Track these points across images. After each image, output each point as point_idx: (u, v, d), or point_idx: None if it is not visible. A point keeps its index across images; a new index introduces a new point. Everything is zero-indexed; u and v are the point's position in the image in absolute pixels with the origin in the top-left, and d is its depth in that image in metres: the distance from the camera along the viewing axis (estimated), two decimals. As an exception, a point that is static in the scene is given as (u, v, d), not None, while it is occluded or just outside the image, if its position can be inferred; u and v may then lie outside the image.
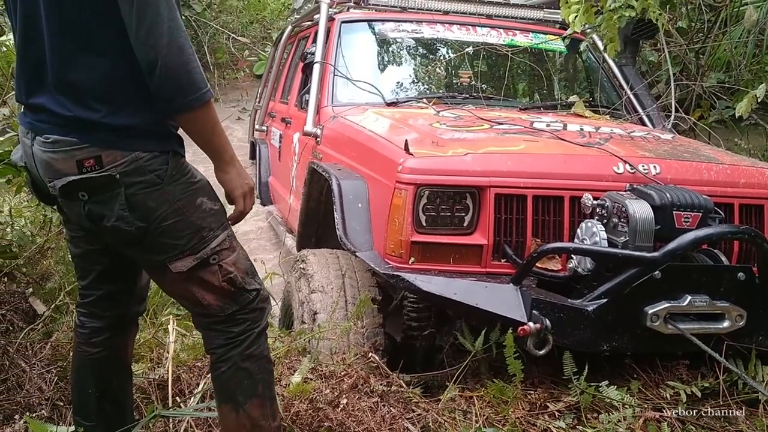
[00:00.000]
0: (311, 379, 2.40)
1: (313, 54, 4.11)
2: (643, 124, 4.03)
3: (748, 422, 2.24)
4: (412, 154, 2.64)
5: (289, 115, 4.68)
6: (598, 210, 2.53)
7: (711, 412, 2.32)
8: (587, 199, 2.54)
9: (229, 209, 1.86)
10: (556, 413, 2.35)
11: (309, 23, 5.06)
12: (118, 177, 1.62)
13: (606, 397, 2.34)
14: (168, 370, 2.32)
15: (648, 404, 2.33)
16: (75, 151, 1.62)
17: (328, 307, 2.91)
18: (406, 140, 2.67)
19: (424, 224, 2.60)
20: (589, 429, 2.24)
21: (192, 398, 2.29)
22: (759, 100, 3.34)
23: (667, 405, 2.33)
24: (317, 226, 3.64)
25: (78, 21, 1.59)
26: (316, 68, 3.92)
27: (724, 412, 2.32)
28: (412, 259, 2.59)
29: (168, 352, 2.41)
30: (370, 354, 2.70)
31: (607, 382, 2.40)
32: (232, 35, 9.03)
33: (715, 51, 6.28)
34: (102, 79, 1.61)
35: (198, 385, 2.36)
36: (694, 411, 2.33)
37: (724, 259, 2.52)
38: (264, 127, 5.67)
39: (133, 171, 1.64)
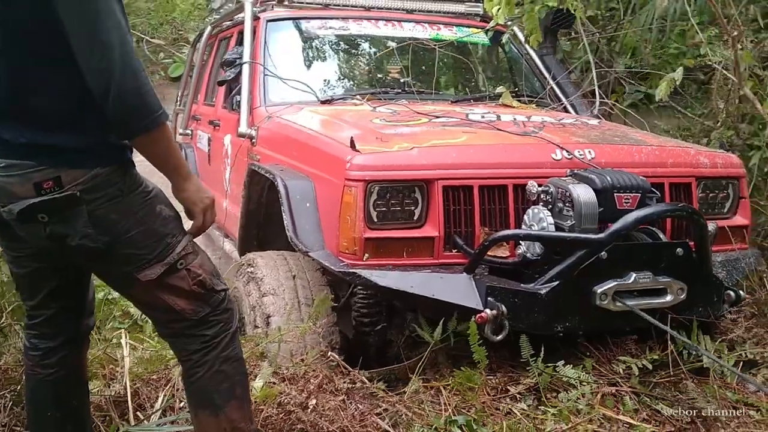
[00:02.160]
0: (274, 383, 2.38)
1: (240, 56, 4.05)
2: (567, 111, 4.18)
3: (698, 389, 2.37)
4: (358, 151, 2.65)
5: (218, 117, 4.58)
6: (542, 196, 2.61)
7: (663, 384, 2.43)
8: (532, 186, 2.62)
9: (187, 224, 1.84)
10: (518, 396, 2.42)
11: (230, 23, 4.97)
12: (79, 195, 1.57)
13: (563, 376, 2.43)
14: (126, 386, 2.25)
15: (603, 380, 2.43)
16: (32, 174, 1.56)
17: (281, 310, 2.88)
18: (352, 137, 2.68)
19: (376, 220, 2.62)
20: (550, 408, 2.32)
21: (153, 413, 2.23)
22: (678, 83, 3.52)
23: (621, 379, 2.44)
24: (258, 228, 3.60)
25: (27, 47, 1.53)
26: (246, 69, 3.86)
27: (675, 382, 2.44)
28: (366, 255, 2.60)
29: (123, 367, 2.34)
30: (330, 353, 2.70)
31: (563, 361, 2.49)
32: (145, 37, 8.77)
33: (623, 37, 6.56)
34: (55, 104, 1.56)
35: (157, 398, 2.30)
36: (647, 383, 2.44)
37: (662, 236, 2.66)
38: (188, 131, 5.53)
39: (94, 187, 1.60)
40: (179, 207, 1.82)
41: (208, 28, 5.38)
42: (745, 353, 2.62)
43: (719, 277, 2.69)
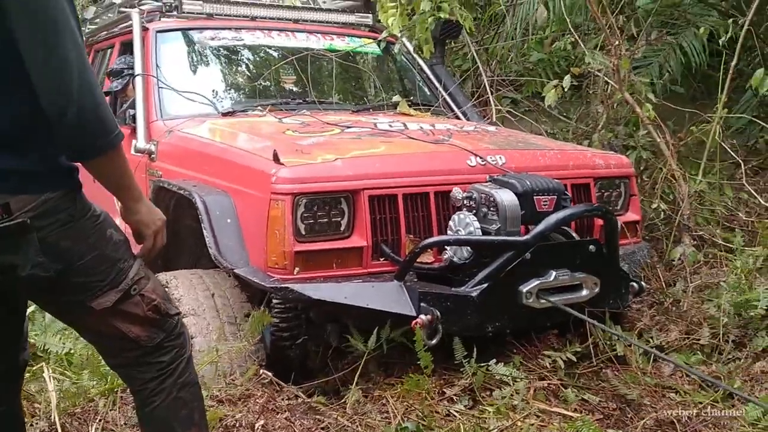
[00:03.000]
0: (213, 406, 2.30)
1: (127, 65, 3.88)
2: (459, 119, 4.33)
3: (618, 377, 2.55)
4: (283, 164, 2.62)
5: (103, 132, 4.34)
6: (467, 202, 2.71)
7: (586, 374, 2.59)
8: (457, 192, 2.70)
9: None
10: (454, 397, 2.49)
11: (106, 34, 4.73)
12: (29, 222, 1.45)
13: (496, 374, 2.52)
14: (55, 421, 2.09)
15: (533, 375, 2.54)
16: None
17: (204, 330, 2.78)
18: (275, 150, 2.64)
19: (304, 233, 2.60)
20: (488, 407, 2.40)
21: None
22: (566, 89, 3.76)
23: (548, 373, 2.57)
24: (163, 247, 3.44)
25: None
26: (139, 81, 3.70)
27: (596, 372, 2.61)
28: (297, 269, 2.58)
29: (45, 402, 2.17)
30: (262, 371, 2.64)
31: (494, 360, 2.58)
32: None
33: (492, 46, 6.89)
34: (3, 126, 1.43)
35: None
36: (572, 375, 2.59)
37: (574, 234, 2.83)
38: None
39: (44, 213, 1.48)
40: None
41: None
42: (653, 340, 2.85)
43: (625, 270, 2.90)
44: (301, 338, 2.89)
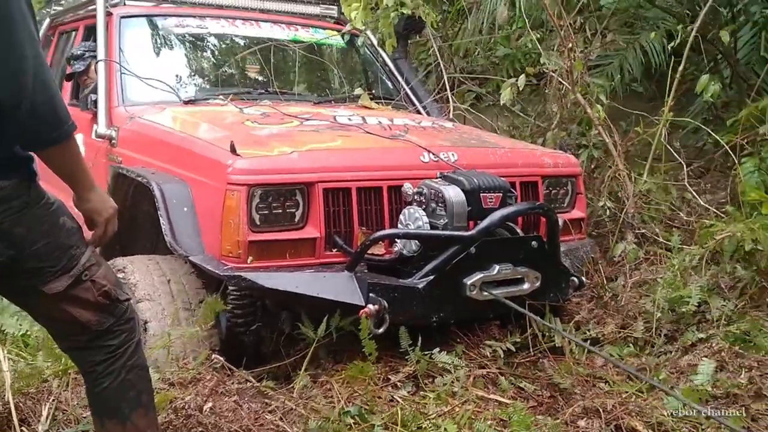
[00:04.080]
0: (164, 389, 2.38)
1: (91, 51, 3.90)
2: (419, 113, 4.43)
3: (554, 367, 2.69)
4: (239, 155, 2.70)
5: (65, 115, 4.35)
6: (417, 197, 2.81)
7: (524, 363, 2.73)
8: (408, 187, 2.81)
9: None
10: (398, 384, 2.60)
11: (71, 17, 4.73)
12: None
13: (439, 362, 2.64)
14: (9, 401, 2.16)
15: (474, 364, 2.67)
16: None
17: (158, 315, 2.85)
18: (232, 142, 2.72)
19: (258, 223, 2.68)
20: (429, 393, 2.52)
21: (41, 428, 2.16)
22: (521, 89, 3.88)
23: (488, 362, 2.70)
24: (122, 233, 3.49)
25: None
26: (101, 67, 3.72)
27: (534, 362, 2.75)
28: (251, 258, 2.66)
29: (5, 381, 2.24)
30: (214, 356, 2.72)
31: (438, 349, 2.70)
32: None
33: (456, 40, 7.00)
34: None
35: (41, 413, 2.23)
36: (511, 364, 2.73)
37: (518, 230, 2.96)
38: (25, 128, 5.17)
39: None
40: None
41: (47, 20, 5.06)
42: (589, 332, 3.00)
43: (566, 266, 3.04)
44: (255, 325, 2.98)
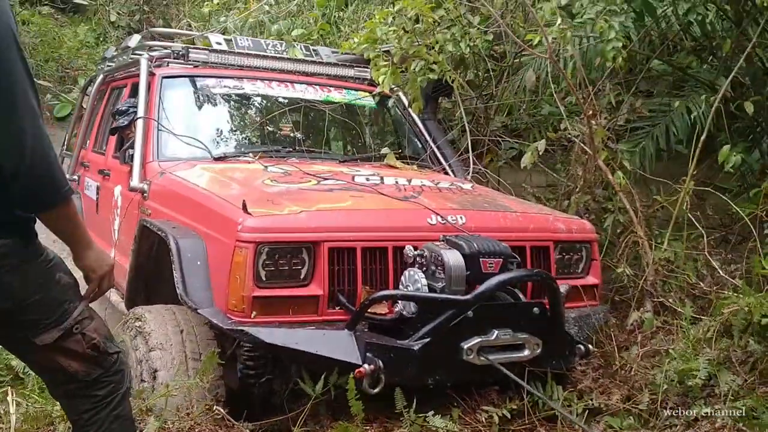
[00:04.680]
0: (161, 438, 2.48)
1: (134, 108, 4.15)
2: (446, 172, 4.52)
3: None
4: (250, 214, 2.82)
5: (108, 167, 4.61)
6: (418, 259, 2.88)
7: (519, 431, 2.72)
8: (409, 250, 2.88)
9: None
10: (391, 445, 2.63)
11: (123, 74, 5.03)
12: None
13: (433, 426, 2.66)
14: (12, 444, 2.29)
15: (468, 428, 2.68)
16: None
17: (168, 364, 2.97)
18: (244, 200, 2.85)
19: (264, 279, 2.79)
20: (420, 455, 2.54)
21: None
22: (540, 153, 3.93)
23: (483, 427, 2.70)
24: (147, 282, 3.66)
25: None
26: (140, 123, 3.96)
27: (530, 429, 2.73)
28: (254, 313, 2.76)
29: (8, 423, 2.37)
30: (215, 407, 2.81)
31: (432, 412, 2.73)
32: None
33: (500, 97, 7.10)
34: None
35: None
36: (506, 431, 2.72)
37: (521, 296, 2.98)
38: (75, 177, 5.49)
39: None
40: (78, 273, 1.93)
41: (101, 77, 5.40)
42: (592, 402, 2.96)
43: (571, 333, 3.04)
44: (265, 377, 3.07)
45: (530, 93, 6.77)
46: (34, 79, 1.72)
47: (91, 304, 1.96)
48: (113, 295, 4.29)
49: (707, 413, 2.81)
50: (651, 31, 4.87)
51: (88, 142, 5.53)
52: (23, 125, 1.62)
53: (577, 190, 4.28)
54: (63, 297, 1.84)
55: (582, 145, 4.07)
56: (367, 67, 4.92)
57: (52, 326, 1.81)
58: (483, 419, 2.73)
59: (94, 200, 4.91)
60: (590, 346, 3.10)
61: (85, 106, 5.84)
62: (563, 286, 3.03)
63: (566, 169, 5.06)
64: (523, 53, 5.54)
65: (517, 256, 2.97)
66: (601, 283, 3.54)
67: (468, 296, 2.73)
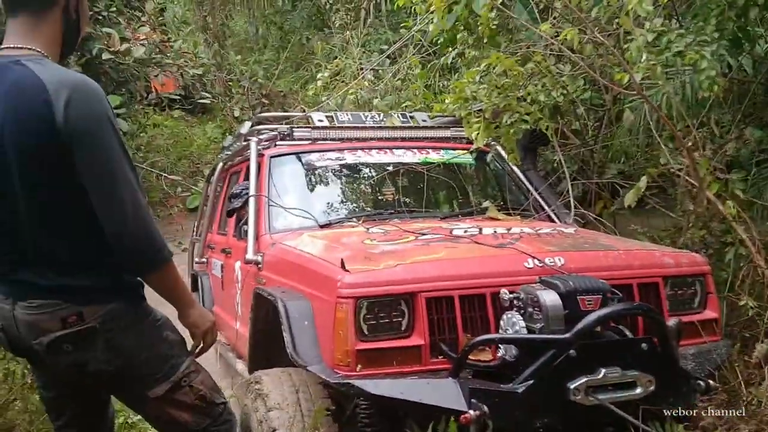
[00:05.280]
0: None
1: (247, 190, 4.47)
2: (551, 220, 4.50)
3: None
4: (348, 271, 2.96)
5: (229, 245, 4.96)
6: (514, 302, 2.88)
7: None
8: (504, 293, 2.90)
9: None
10: (505, 492, 2.58)
11: (239, 159, 5.44)
12: (98, 327, 1.88)
13: (546, 471, 2.60)
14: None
15: (583, 471, 2.60)
16: (59, 311, 1.88)
17: (285, 423, 3.10)
18: (342, 258, 3.00)
19: (366, 332, 2.88)
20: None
21: None
22: (643, 191, 3.85)
23: (600, 471, 2.61)
24: (267, 348, 3.85)
25: (53, 204, 1.89)
26: (252, 201, 4.26)
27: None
28: (359, 366, 2.85)
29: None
30: (330, 462, 2.89)
31: (545, 457, 2.67)
32: (164, 174, 9.39)
33: (610, 146, 6.99)
34: (77, 252, 1.90)
35: None
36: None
37: (628, 333, 2.89)
38: (204, 259, 5.91)
39: (110, 319, 1.91)
40: (185, 332, 2.12)
41: (220, 164, 5.87)
42: (717, 439, 2.80)
43: (687, 369, 2.90)
44: (383, 433, 3.13)
45: (644, 137, 6.65)
46: (133, 162, 1.96)
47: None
48: (239, 365, 4.53)
49: None
50: (758, 58, 4.72)
51: (212, 226, 5.98)
52: (123, 196, 1.85)
53: (690, 224, 4.12)
54: (170, 353, 2.03)
55: (687, 178, 3.94)
56: (461, 127, 5.05)
57: (162, 380, 1.99)
58: (598, 462, 2.64)
59: (220, 278, 5.26)
60: (711, 382, 2.93)
61: (209, 194, 6.34)
62: (673, 320, 2.91)
63: (679, 205, 4.88)
64: (619, 97, 5.50)
65: (618, 292, 2.90)
66: (721, 317, 3.36)
67: (567, 335, 2.69)
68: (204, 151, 11.46)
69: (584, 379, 2.69)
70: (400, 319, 2.94)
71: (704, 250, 4.08)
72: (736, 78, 4.55)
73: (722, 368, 3.17)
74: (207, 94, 11.85)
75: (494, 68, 4.44)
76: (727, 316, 3.81)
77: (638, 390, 2.74)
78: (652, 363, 2.77)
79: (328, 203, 4.55)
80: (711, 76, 3.74)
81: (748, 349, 3.50)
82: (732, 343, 3.41)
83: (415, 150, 4.81)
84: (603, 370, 2.71)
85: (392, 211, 4.34)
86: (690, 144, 3.69)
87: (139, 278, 1.99)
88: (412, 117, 5.18)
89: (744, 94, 5.00)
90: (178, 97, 12.10)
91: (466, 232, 3.65)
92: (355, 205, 4.55)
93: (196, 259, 6.14)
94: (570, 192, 4.34)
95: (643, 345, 2.79)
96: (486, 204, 4.51)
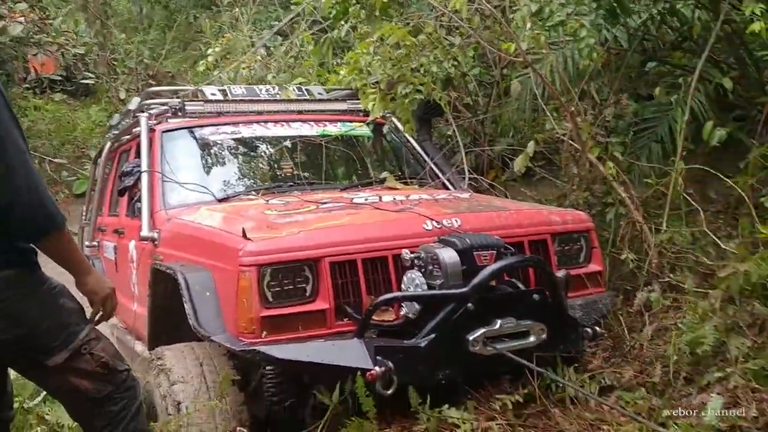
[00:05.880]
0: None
1: (138, 167, 4.34)
2: (446, 188, 4.63)
3: (562, 416, 2.71)
4: (250, 239, 2.95)
5: (122, 225, 4.80)
6: (415, 262, 2.97)
7: (534, 414, 2.77)
8: (406, 253, 2.98)
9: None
10: (410, 443, 2.69)
11: (128, 137, 5.26)
12: None
13: (449, 419, 2.72)
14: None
15: (483, 417, 2.73)
16: None
17: (190, 396, 3.07)
18: (243, 227, 2.99)
19: (271, 299, 2.90)
20: (439, 449, 2.59)
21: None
22: (531, 155, 4.04)
23: (497, 415, 2.75)
24: (166, 325, 3.78)
25: None
26: (145, 177, 4.15)
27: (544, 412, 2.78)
28: (264, 332, 2.86)
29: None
30: (238, 429, 2.90)
31: (447, 405, 2.78)
32: (47, 158, 8.92)
33: (499, 120, 7.24)
34: None
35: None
36: (521, 416, 2.77)
37: (521, 286, 3.05)
38: (95, 243, 5.70)
39: (5, 287, 1.84)
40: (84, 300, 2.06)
41: (108, 144, 5.65)
42: (604, 380, 3.00)
43: (576, 317, 3.09)
44: (289, 401, 3.15)
45: (531, 112, 6.92)
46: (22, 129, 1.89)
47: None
48: (138, 346, 4.42)
49: (719, 377, 2.83)
50: (632, 30, 5.01)
51: (103, 208, 5.76)
52: (13, 163, 1.78)
53: (574, 187, 4.36)
54: (68, 321, 1.98)
55: (570, 142, 4.16)
56: (358, 99, 5.09)
57: (61, 348, 1.94)
58: (497, 407, 2.78)
59: (113, 260, 5.09)
60: (598, 329, 3.15)
61: (97, 176, 6.10)
62: (561, 272, 3.10)
63: (564, 170, 5.14)
64: (506, 73, 5.72)
65: (510, 247, 3.05)
66: (605, 270, 3.59)
67: (465, 288, 2.81)
68: (89, 135, 10.94)
69: (482, 331, 2.82)
70: (304, 284, 2.96)
71: (588, 210, 4.32)
72: (613, 48, 4.82)
73: (607, 317, 3.39)
74: (90, 75, 11.31)
75: (387, 39, 4.51)
76: (610, 270, 4.07)
77: (532, 338, 2.90)
78: (544, 313, 2.94)
79: (226, 178, 4.47)
80: (590, 44, 3.95)
81: (629, 299, 3.75)
82: (615, 294, 3.67)
83: (313, 123, 4.81)
84: (499, 321, 2.85)
85: (292, 184, 4.33)
86: (572, 109, 3.90)
87: (32, 245, 1.92)
88: (307, 90, 5.17)
89: (620, 65, 5.31)
90: (60, 78, 11.45)
91: (366, 200, 3.71)
92: (253, 179, 4.50)
93: (87, 243, 5.90)
94: (465, 160, 4.48)
95: (535, 296, 2.95)
96: (384, 175, 4.59)
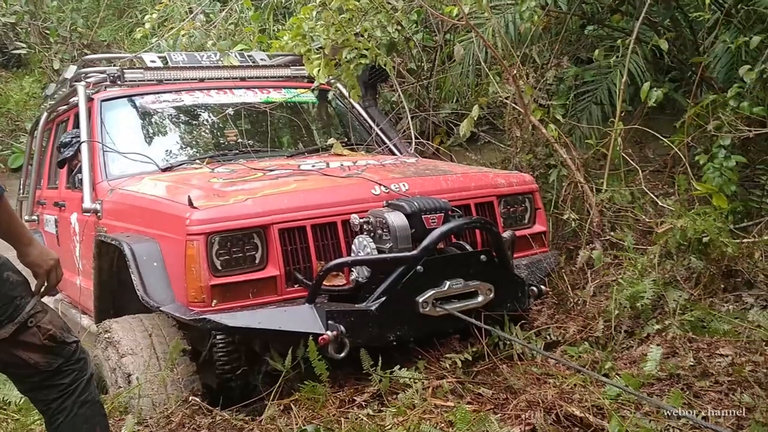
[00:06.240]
0: (138, 431, 2.56)
1: (77, 138, 4.21)
2: (393, 153, 4.65)
3: (510, 372, 2.80)
4: (196, 208, 2.92)
5: (62, 198, 4.68)
6: (365, 226, 3.00)
7: (483, 371, 2.84)
8: (354, 218, 3.00)
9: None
10: (363, 404, 2.73)
11: (65, 107, 5.10)
12: None
13: (400, 379, 2.77)
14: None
15: (433, 376, 2.79)
16: None
17: (141, 367, 3.05)
18: (189, 196, 2.95)
19: (220, 268, 2.88)
20: (391, 408, 2.64)
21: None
22: (475, 119, 4.08)
23: (447, 373, 2.82)
24: (113, 297, 3.73)
25: None
26: (84, 148, 4.04)
27: (493, 368, 2.86)
28: (215, 301, 2.85)
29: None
30: (191, 398, 2.90)
31: (398, 366, 2.84)
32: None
33: (443, 85, 7.27)
34: None
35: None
36: (470, 373, 2.84)
37: (468, 247, 3.10)
38: (35, 217, 5.53)
39: None
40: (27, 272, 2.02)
41: (45, 115, 5.46)
42: (549, 336, 3.10)
43: (522, 276, 3.17)
44: (240, 369, 3.16)
45: (474, 77, 6.96)
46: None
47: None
48: (84, 320, 4.35)
49: (658, 329, 2.95)
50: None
51: (41, 181, 5.59)
52: None
53: (518, 150, 4.43)
54: (12, 293, 1.93)
55: (513, 105, 4.22)
56: (302, 65, 5.04)
57: (7, 322, 1.90)
58: (447, 366, 2.84)
59: (54, 234, 4.96)
60: (543, 287, 3.24)
61: (34, 149, 5.90)
62: (507, 233, 3.16)
63: (507, 133, 5.22)
64: (449, 38, 5.73)
65: (457, 210, 3.10)
66: (549, 230, 3.68)
67: (414, 251, 2.85)
68: (22, 107, 10.53)
69: (431, 292, 2.87)
70: (253, 252, 2.95)
71: (531, 172, 4.40)
72: (553, 11, 4.87)
73: (551, 275, 3.48)
74: (22, 45, 10.83)
75: (330, 4, 4.46)
76: (554, 230, 4.18)
77: (480, 298, 2.97)
78: (491, 273, 3.01)
79: (169, 147, 4.39)
80: (531, 7, 4.00)
81: (572, 258, 3.87)
82: (559, 253, 3.77)
83: (256, 90, 4.74)
84: (447, 283, 2.91)
85: (237, 152, 4.28)
86: (515, 73, 3.95)
87: None
88: (250, 56, 5.09)
89: (560, 29, 5.39)
90: (-11, 49, 10.97)
91: (314, 166, 3.70)
92: (197, 147, 4.43)
93: (26, 218, 5.73)
94: (411, 125, 4.50)
95: (482, 257, 3.01)
96: (331, 141, 4.57)
